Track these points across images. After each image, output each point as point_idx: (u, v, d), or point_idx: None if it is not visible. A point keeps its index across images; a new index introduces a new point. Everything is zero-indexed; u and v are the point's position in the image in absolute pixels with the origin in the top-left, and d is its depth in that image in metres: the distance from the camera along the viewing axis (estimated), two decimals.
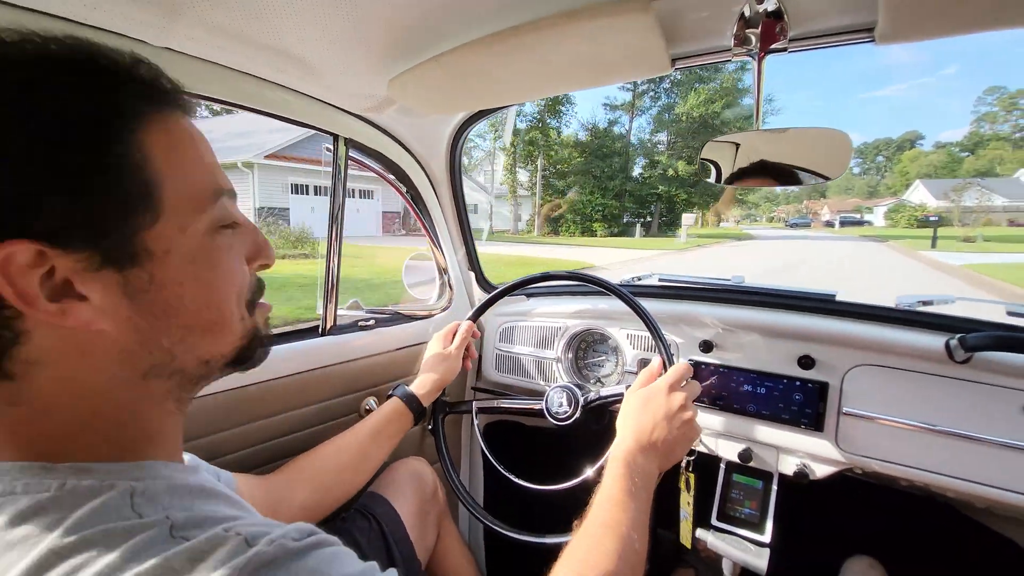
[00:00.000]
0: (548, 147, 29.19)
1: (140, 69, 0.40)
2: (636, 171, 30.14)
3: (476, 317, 1.20)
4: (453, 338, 1.18)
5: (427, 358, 1.14)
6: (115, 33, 0.67)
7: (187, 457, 0.54)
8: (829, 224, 49.67)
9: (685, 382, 0.87)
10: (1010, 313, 0.91)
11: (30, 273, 0.34)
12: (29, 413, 0.37)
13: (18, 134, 0.33)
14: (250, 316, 0.47)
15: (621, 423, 0.84)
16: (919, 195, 42.13)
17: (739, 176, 0.96)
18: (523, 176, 29.62)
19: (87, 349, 0.38)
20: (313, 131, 1.06)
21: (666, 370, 0.89)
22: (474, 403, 1.14)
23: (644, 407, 0.82)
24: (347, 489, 0.91)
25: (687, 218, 26.09)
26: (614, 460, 0.76)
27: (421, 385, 1.08)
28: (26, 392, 0.37)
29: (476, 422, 1.15)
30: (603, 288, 1.05)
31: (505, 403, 1.14)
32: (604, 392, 1.06)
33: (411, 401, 1.04)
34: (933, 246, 19.07)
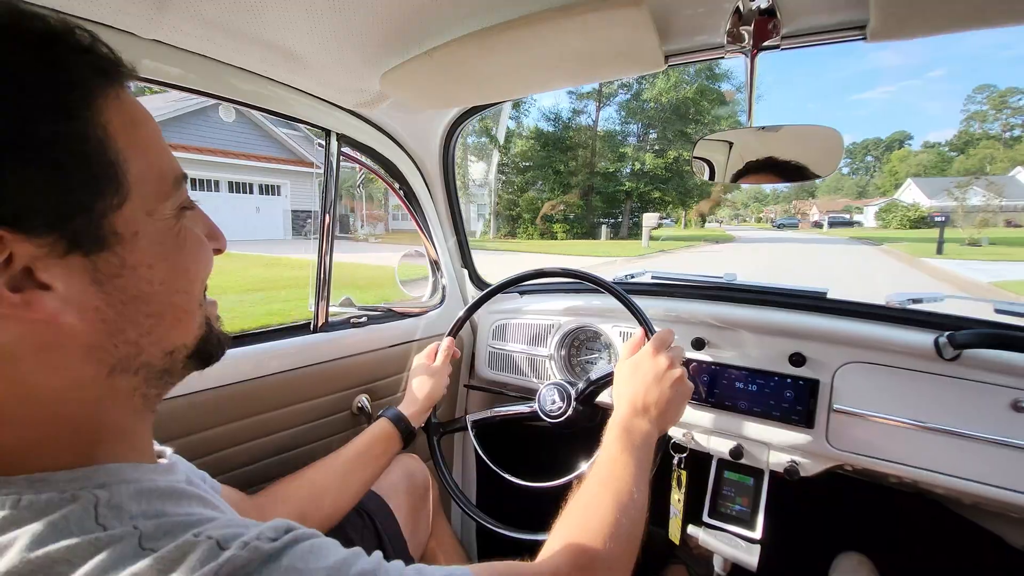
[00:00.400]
0: (505, 138, 25.05)
1: (78, 36, 0.36)
2: (604, 165, 26.17)
3: (457, 330, 1.18)
4: (436, 355, 1.13)
5: (413, 376, 1.10)
6: (102, 24, 0.66)
7: (168, 453, 0.52)
8: (817, 225, 47.63)
9: (670, 346, 0.87)
10: (998, 311, 0.92)
11: None
12: None
13: None
14: (208, 304, 0.46)
15: (615, 394, 0.84)
16: (911, 194, 40.05)
17: (734, 174, 0.97)
18: (479, 171, 25.24)
19: (47, 346, 0.34)
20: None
21: (648, 339, 0.89)
22: (468, 418, 1.13)
23: (633, 374, 0.82)
24: (331, 512, 0.87)
25: (648, 219, 21.76)
26: (611, 427, 0.76)
27: (409, 404, 1.04)
28: None
29: (472, 434, 1.14)
30: (595, 284, 1.05)
31: (498, 411, 1.13)
32: (594, 376, 1.05)
33: (400, 422, 1.00)
34: (939, 251, 16.06)
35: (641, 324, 0.95)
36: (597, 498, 0.64)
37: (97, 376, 0.37)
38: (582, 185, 25.79)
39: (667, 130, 26.03)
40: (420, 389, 1.07)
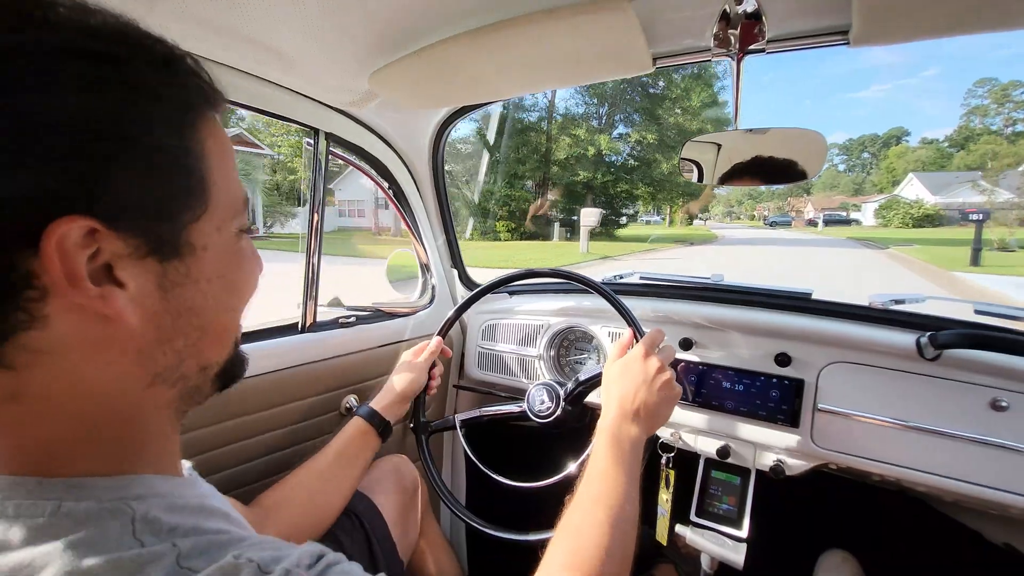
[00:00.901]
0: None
1: (196, 65, 0.40)
2: (563, 153, 22.16)
3: (446, 331, 1.18)
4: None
5: (395, 371, 1.11)
6: None
7: (187, 468, 0.51)
8: (812, 223, 44.47)
9: (659, 347, 0.87)
10: (978, 312, 0.94)
11: (80, 252, 0.31)
12: (27, 413, 0.34)
13: (97, 106, 0.32)
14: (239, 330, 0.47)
15: (604, 396, 0.83)
16: (913, 190, 36.74)
17: (721, 176, 0.98)
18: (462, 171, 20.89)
19: (104, 342, 0.35)
20: None
21: (638, 340, 0.89)
22: (456, 417, 1.13)
23: (623, 376, 0.82)
24: (320, 517, 0.87)
25: (587, 216, 16.94)
26: (601, 432, 0.76)
27: (381, 398, 1.05)
28: (26, 386, 0.33)
29: (460, 433, 1.14)
30: (583, 285, 1.05)
31: (487, 410, 1.13)
32: (583, 377, 1.05)
33: (372, 417, 1.00)
34: (975, 262, 11.85)
35: (630, 325, 0.95)
36: (591, 516, 0.64)
37: (140, 382, 0.38)
38: (533, 176, 22.59)
39: (630, 109, 23.53)
40: (398, 383, 1.07)
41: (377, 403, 1.03)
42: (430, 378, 1.15)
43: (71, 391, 0.35)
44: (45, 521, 0.32)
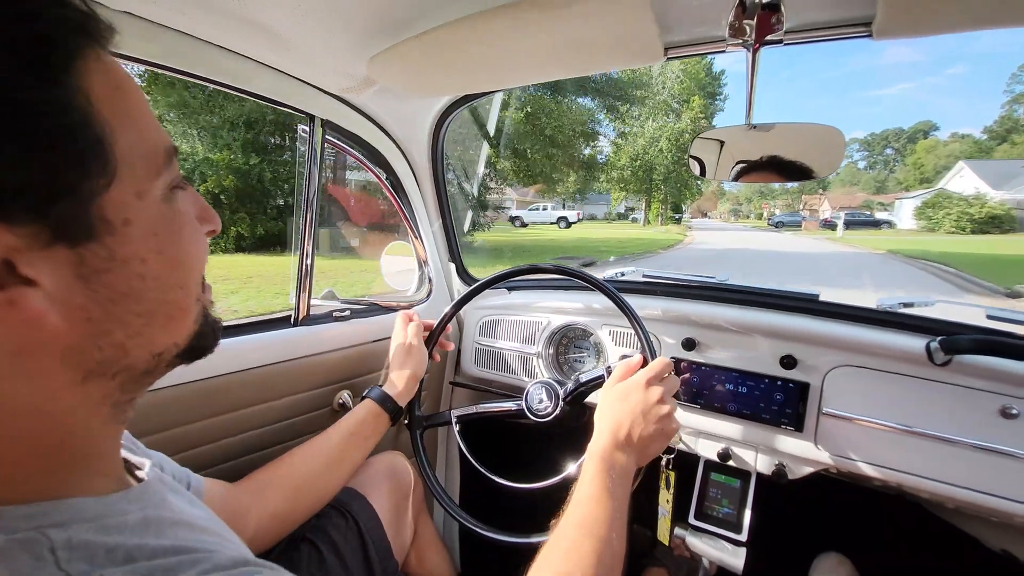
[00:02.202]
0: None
1: None
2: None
3: (449, 318, 1.15)
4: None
5: (392, 354, 1.08)
6: None
7: (147, 467, 0.47)
8: (829, 225, 32.43)
9: (664, 377, 0.85)
10: (990, 317, 0.92)
11: None
12: None
13: None
14: (204, 296, 0.41)
15: (599, 418, 0.82)
16: (964, 183, 28.02)
17: (730, 172, 0.95)
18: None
19: (23, 350, 0.30)
20: None
21: (646, 365, 0.87)
22: (452, 413, 1.11)
23: (621, 401, 0.80)
24: (320, 495, 0.87)
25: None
26: (591, 457, 0.75)
27: (393, 384, 1.03)
28: None
29: (455, 429, 1.11)
30: (587, 283, 1.02)
31: (484, 407, 1.11)
32: (584, 378, 1.03)
33: (385, 402, 0.99)
34: None
35: (642, 348, 0.92)
36: (577, 545, 0.62)
37: (71, 383, 0.33)
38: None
39: None
40: (402, 367, 1.04)
41: (390, 388, 1.02)
42: (431, 357, 1.13)
43: None
44: None
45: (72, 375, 0.33)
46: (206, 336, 0.41)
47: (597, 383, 0.99)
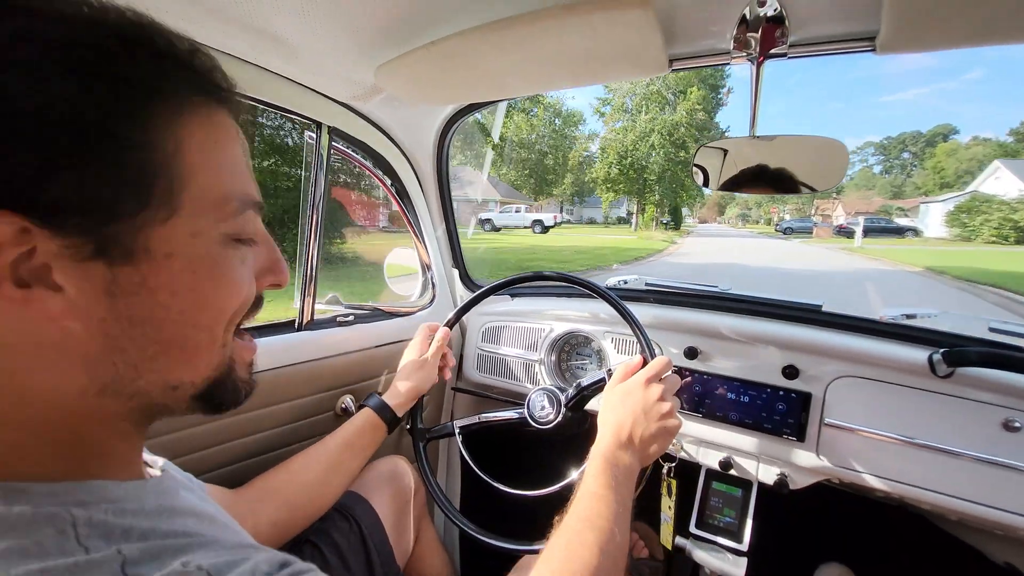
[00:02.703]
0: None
1: (196, 57, 0.36)
2: None
3: (454, 322, 1.16)
4: (430, 345, 1.12)
5: (402, 365, 1.09)
6: None
7: (160, 463, 0.49)
8: (845, 232, 27.83)
9: (664, 376, 0.86)
10: (992, 330, 0.92)
11: (5, 251, 0.29)
12: None
13: (38, 92, 0.29)
14: (232, 341, 0.41)
15: (601, 420, 0.82)
16: (1003, 184, 24.89)
17: (730, 183, 0.96)
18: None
19: (46, 344, 0.32)
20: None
21: (646, 365, 0.87)
22: (454, 424, 1.11)
23: (622, 402, 0.81)
24: (319, 504, 0.87)
25: None
26: (594, 457, 0.75)
27: (394, 394, 1.03)
28: None
29: (458, 440, 1.11)
30: (589, 290, 1.03)
31: (487, 417, 1.11)
32: (585, 383, 1.03)
33: (383, 411, 1.00)
34: None
35: (641, 345, 0.93)
36: (579, 537, 0.62)
37: (87, 391, 0.34)
38: None
39: None
40: (407, 379, 1.06)
41: (390, 398, 1.02)
42: (441, 372, 1.14)
43: (15, 396, 0.33)
44: None
45: (88, 384, 0.34)
46: (225, 389, 0.41)
47: (598, 386, 0.99)
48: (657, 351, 0.96)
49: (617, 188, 26.21)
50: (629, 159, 24.87)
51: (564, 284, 1.08)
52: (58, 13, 0.31)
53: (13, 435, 0.33)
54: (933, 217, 26.99)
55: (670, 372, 0.87)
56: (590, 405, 1.08)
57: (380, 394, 1.04)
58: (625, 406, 0.80)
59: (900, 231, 28.25)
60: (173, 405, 0.39)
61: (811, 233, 32.12)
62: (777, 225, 42.49)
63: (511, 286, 1.14)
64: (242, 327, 0.43)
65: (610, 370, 0.95)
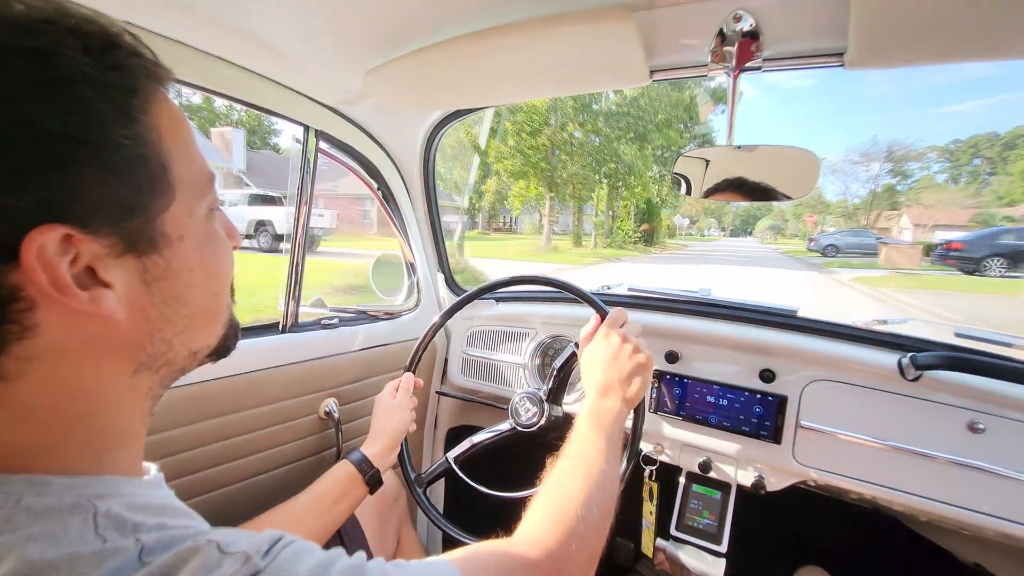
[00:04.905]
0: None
1: (141, 44, 0.37)
2: None
3: (414, 365, 1.11)
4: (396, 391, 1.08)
5: (376, 414, 1.05)
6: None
7: (153, 470, 0.50)
8: (947, 256, 13.35)
9: (623, 323, 0.88)
10: (958, 335, 0.95)
11: (60, 260, 0.32)
12: (10, 418, 0.34)
13: (44, 109, 0.30)
14: (231, 301, 0.47)
15: (583, 385, 0.85)
16: None
17: (708, 191, 0.98)
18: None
19: (96, 342, 0.35)
20: None
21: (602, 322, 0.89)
22: (448, 458, 1.09)
23: (592, 360, 0.84)
24: None
25: None
26: (581, 414, 0.78)
27: (372, 444, 0.98)
28: (14, 394, 0.33)
29: (457, 471, 1.09)
30: (569, 292, 1.04)
31: (478, 440, 1.10)
32: (558, 364, 1.04)
33: (362, 464, 0.93)
34: None
35: (592, 306, 0.94)
36: (569, 473, 0.65)
37: (124, 373, 0.38)
38: None
39: None
40: (383, 427, 1.01)
41: (369, 448, 0.97)
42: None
43: (60, 393, 0.35)
44: (4, 513, 0.31)
45: (127, 366, 0.38)
46: (230, 337, 0.47)
47: (570, 362, 1.01)
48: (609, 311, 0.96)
49: (528, 178, 18.09)
50: (536, 139, 16.77)
51: (546, 289, 1.09)
52: (31, 24, 0.32)
53: (47, 431, 0.35)
54: None
55: (626, 321, 0.89)
56: (571, 408, 1.09)
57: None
58: (596, 362, 0.83)
59: None
60: (190, 367, 0.44)
61: (877, 255, 19.13)
62: (811, 241, 24.72)
63: (494, 290, 1.16)
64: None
65: (576, 343, 0.96)
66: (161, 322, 0.38)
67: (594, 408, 0.77)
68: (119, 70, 0.34)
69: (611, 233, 23.25)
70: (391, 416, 1.03)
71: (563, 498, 0.62)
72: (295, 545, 0.39)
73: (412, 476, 1.06)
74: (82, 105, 0.32)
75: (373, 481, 0.94)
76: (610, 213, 23.11)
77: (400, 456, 1.05)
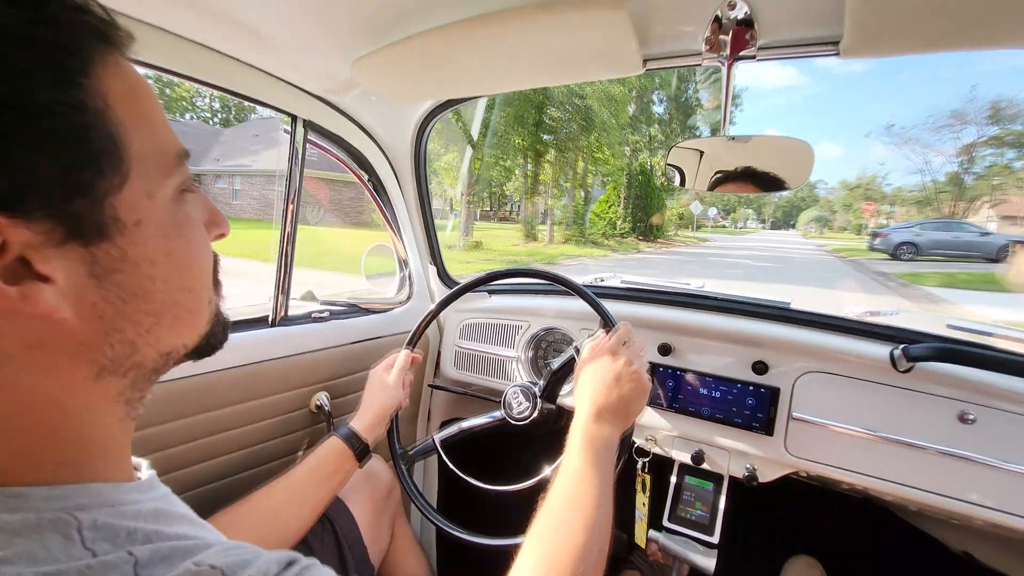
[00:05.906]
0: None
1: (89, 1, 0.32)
2: None
3: (415, 341, 1.13)
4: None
5: (368, 387, 1.06)
6: None
7: (144, 467, 0.47)
8: None
9: (627, 341, 0.87)
10: (950, 326, 0.95)
11: None
12: None
13: None
14: (216, 296, 0.42)
15: (577, 397, 0.83)
16: None
17: (703, 182, 0.97)
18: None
19: (38, 344, 0.31)
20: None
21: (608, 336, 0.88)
22: (435, 438, 1.09)
23: (592, 376, 0.82)
24: (284, 534, 0.83)
25: None
26: (574, 435, 0.75)
27: (360, 418, 0.99)
28: None
29: (442, 453, 1.09)
30: (562, 285, 1.04)
31: (466, 425, 1.10)
32: (555, 365, 1.03)
33: (351, 438, 0.94)
34: None
35: (600, 316, 0.94)
36: (564, 518, 0.62)
37: (85, 379, 0.34)
38: None
39: None
40: (372, 401, 1.02)
41: (357, 422, 0.98)
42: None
43: (13, 402, 0.31)
44: None
45: (86, 371, 0.33)
46: (216, 335, 0.42)
47: (569, 366, 1.00)
48: (617, 323, 0.96)
49: (499, 163, 14.52)
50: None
51: (539, 281, 1.08)
52: None
53: (12, 441, 0.32)
54: None
55: (631, 338, 0.88)
56: (565, 401, 1.09)
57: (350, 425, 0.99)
58: (596, 379, 0.81)
59: None
60: (164, 369, 0.39)
61: (968, 258, 14.11)
62: (873, 238, 17.83)
63: (487, 283, 1.15)
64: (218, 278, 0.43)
65: (577, 347, 0.95)
66: (120, 321, 0.34)
67: (588, 432, 0.75)
68: (53, 24, 0.30)
69: (578, 221, 17.59)
70: (383, 390, 1.04)
71: (557, 550, 0.58)
72: (315, 570, 0.37)
73: (398, 451, 1.07)
74: (4, 64, 0.27)
75: (361, 453, 0.95)
76: (581, 193, 17.58)
77: (389, 432, 1.06)
